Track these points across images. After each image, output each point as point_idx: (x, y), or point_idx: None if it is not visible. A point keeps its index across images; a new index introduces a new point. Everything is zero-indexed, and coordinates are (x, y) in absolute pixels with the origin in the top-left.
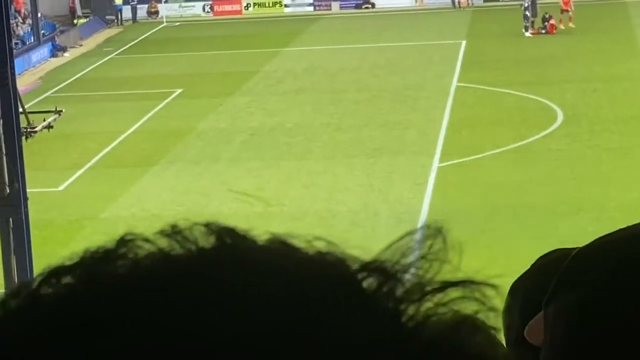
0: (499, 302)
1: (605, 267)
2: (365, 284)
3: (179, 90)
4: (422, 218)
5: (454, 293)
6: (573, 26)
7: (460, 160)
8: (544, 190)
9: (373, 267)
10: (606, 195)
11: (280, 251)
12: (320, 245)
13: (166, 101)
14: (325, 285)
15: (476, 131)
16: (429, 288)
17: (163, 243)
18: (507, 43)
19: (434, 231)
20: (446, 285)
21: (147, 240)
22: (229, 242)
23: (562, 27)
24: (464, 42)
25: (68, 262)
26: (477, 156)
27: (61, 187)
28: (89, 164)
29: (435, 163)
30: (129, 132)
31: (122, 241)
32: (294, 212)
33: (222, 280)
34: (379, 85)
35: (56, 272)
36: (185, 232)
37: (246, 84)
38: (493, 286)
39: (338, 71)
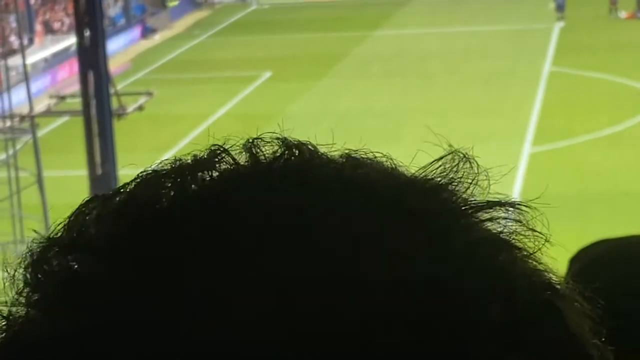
0: (538, 224)
1: None
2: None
3: (269, 74)
4: None
5: (493, 213)
6: None
7: (553, 146)
8: (639, 176)
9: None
10: None
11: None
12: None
13: (255, 84)
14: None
15: (569, 117)
16: (467, 207)
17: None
18: (602, 27)
19: (461, 156)
20: (487, 204)
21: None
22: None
23: None
24: (556, 26)
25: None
26: (570, 142)
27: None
28: (179, 145)
29: (527, 149)
30: (218, 114)
31: (214, 154)
32: None
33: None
34: (469, 70)
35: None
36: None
37: (335, 67)
38: (530, 207)
39: (428, 55)
